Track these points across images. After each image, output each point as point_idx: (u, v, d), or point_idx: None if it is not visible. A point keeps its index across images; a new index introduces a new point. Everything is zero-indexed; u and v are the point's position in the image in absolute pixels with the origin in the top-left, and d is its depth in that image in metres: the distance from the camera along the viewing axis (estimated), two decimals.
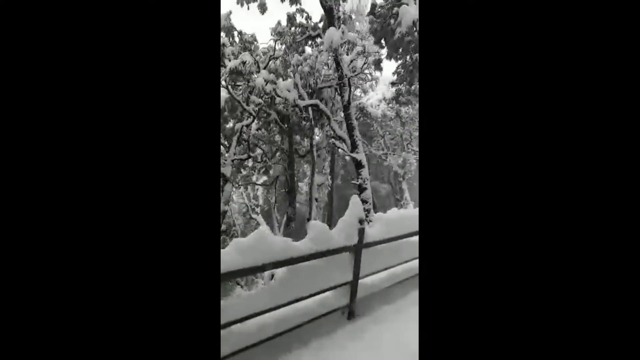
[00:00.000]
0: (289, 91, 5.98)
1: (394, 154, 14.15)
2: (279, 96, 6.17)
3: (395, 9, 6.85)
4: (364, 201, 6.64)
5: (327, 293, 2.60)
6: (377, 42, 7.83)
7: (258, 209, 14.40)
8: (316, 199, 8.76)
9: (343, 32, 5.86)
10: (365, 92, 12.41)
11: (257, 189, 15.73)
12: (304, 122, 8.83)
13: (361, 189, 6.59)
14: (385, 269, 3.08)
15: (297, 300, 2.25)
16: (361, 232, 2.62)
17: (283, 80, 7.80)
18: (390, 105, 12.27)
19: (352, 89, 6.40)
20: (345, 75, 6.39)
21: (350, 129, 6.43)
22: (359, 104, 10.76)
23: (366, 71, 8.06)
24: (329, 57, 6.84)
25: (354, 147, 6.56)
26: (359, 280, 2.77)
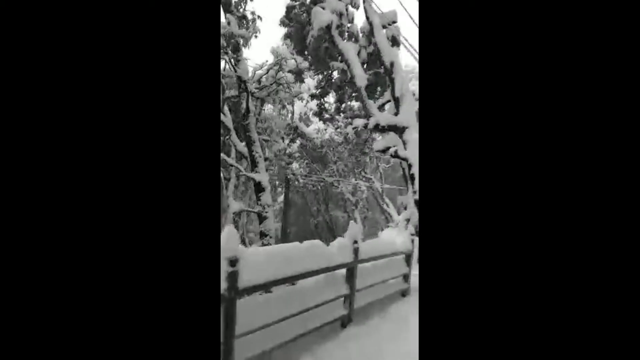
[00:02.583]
0: None
1: (344, 181, 12.98)
2: None
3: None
4: (263, 234, 5.09)
5: None
6: (300, 52, 6.77)
7: None
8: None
9: (229, 23, 4.67)
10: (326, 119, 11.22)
11: None
12: None
13: (260, 219, 5.06)
14: None
15: None
16: None
17: None
18: (339, 129, 11.28)
19: (249, 96, 5.16)
20: (241, 78, 5.14)
21: (249, 144, 5.05)
22: (293, 122, 9.57)
23: (291, 83, 6.92)
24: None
25: (253, 165, 5.14)
26: None
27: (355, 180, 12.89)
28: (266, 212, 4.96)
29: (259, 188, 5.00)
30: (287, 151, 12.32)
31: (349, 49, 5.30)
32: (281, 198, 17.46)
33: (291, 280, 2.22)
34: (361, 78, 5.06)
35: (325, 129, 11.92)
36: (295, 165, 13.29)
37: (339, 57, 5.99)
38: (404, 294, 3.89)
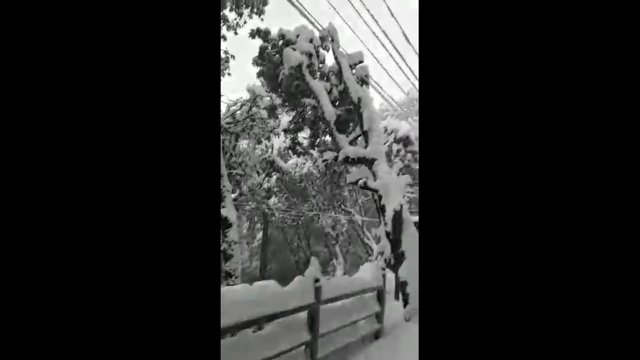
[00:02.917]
0: None
1: (324, 214, 12.77)
2: None
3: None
4: (228, 274, 4.72)
5: None
6: (274, 90, 6.95)
7: None
8: None
9: None
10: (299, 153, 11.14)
11: None
12: None
13: (226, 257, 4.72)
14: None
15: None
16: None
17: None
18: (316, 164, 11.34)
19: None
20: None
21: None
22: (269, 156, 9.55)
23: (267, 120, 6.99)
24: None
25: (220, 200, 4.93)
26: None
27: (335, 213, 12.72)
28: (232, 250, 4.63)
29: (225, 224, 4.74)
30: (266, 185, 12.14)
31: (319, 87, 5.48)
32: (260, 234, 16.84)
33: (229, 331, 1.94)
34: (330, 114, 5.16)
35: (304, 163, 11.96)
36: (274, 199, 13.04)
37: (311, 95, 6.17)
38: (377, 335, 3.58)
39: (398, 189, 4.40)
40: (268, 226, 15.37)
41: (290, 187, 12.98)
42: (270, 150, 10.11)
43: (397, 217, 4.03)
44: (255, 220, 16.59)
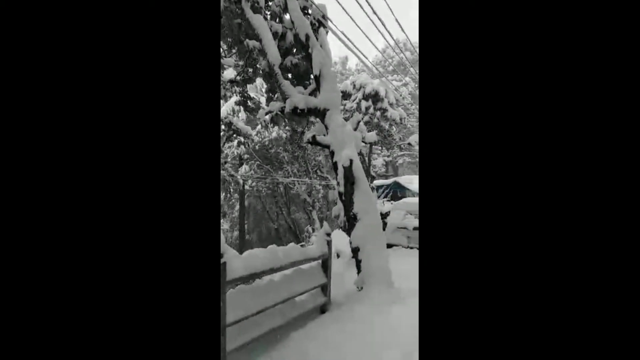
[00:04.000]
0: None
1: (300, 181, 12.09)
2: None
3: None
4: None
5: None
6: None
7: None
8: None
9: None
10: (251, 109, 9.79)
11: None
12: None
13: None
14: None
15: None
16: None
17: None
18: (287, 127, 10.35)
19: None
20: None
21: None
22: (225, 118, 8.50)
23: None
24: None
25: None
26: None
27: (310, 179, 12.06)
28: None
29: None
30: (235, 152, 11.17)
31: (261, 23, 4.43)
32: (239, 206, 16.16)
33: None
34: (274, 56, 4.21)
35: (273, 126, 10.93)
36: (245, 167, 12.14)
37: (257, 36, 5.08)
38: (323, 310, 3.06)
39: (352, 143, 3.66)
40: (244, 196, 14.64)
41: (262, 153, 12.07)
42: (233, 111, 8.98)
43: (348, 175, 3.34)
44: (232, 190, 15.81)
